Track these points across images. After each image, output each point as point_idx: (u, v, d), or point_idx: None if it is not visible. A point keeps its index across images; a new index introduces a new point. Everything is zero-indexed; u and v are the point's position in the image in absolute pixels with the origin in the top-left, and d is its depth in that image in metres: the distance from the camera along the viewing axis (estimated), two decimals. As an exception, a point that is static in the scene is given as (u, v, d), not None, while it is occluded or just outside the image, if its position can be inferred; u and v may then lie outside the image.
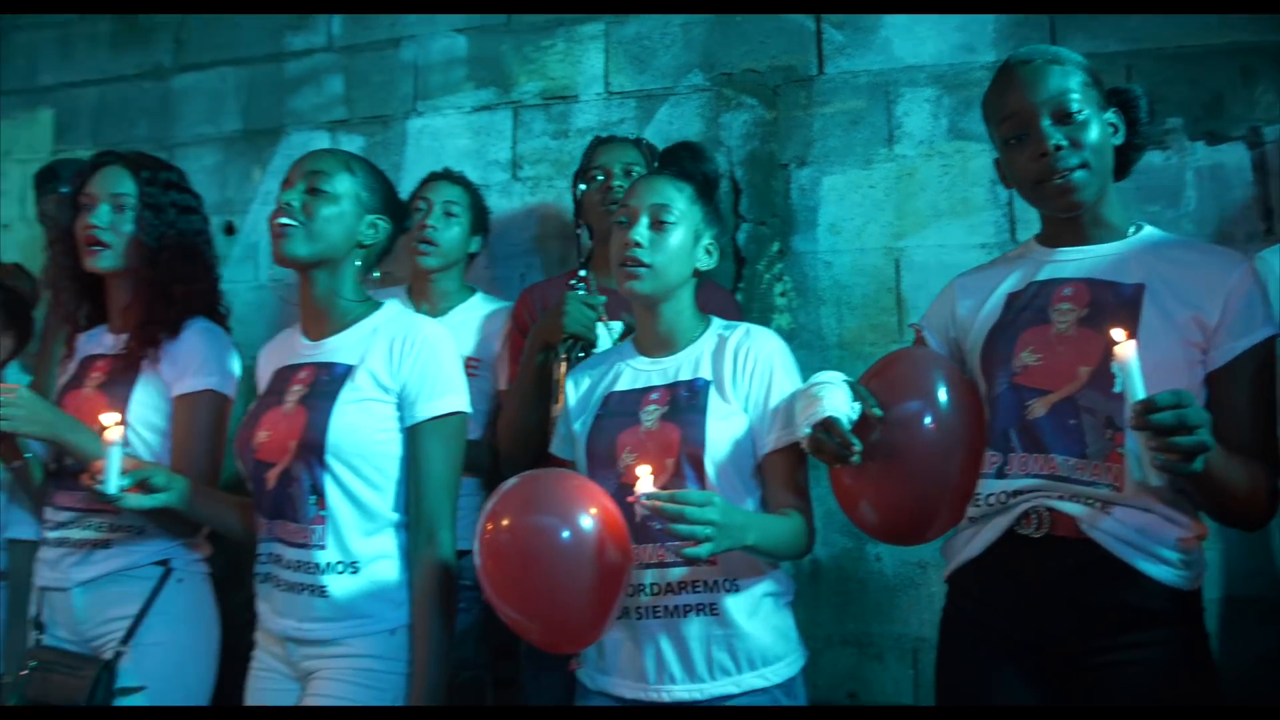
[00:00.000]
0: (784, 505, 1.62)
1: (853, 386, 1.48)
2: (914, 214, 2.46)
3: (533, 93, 2.79)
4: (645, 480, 1.40)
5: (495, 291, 2.59)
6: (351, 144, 2.90)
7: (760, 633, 1.60)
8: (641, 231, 1.64)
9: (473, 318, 2.39)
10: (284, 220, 1.65)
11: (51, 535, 1.85)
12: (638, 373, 1.71)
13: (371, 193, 1.73)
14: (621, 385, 1.71)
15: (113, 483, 1.57)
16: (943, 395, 1.51)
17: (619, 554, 1.47)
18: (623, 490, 1.52)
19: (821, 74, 2.55)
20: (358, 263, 1.73)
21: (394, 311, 1.75)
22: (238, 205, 2.98)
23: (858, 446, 1.40)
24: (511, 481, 1.52)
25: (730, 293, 2.42)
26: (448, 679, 1.61)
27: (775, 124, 2.57)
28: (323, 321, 1.73)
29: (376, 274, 1.80)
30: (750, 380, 1.64)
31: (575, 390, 1.77)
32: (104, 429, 1.58)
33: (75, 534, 1.83)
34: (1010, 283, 1.64)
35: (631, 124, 2.68)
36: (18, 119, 3.32)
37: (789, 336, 2.52)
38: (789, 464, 1.63)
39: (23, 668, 1.80)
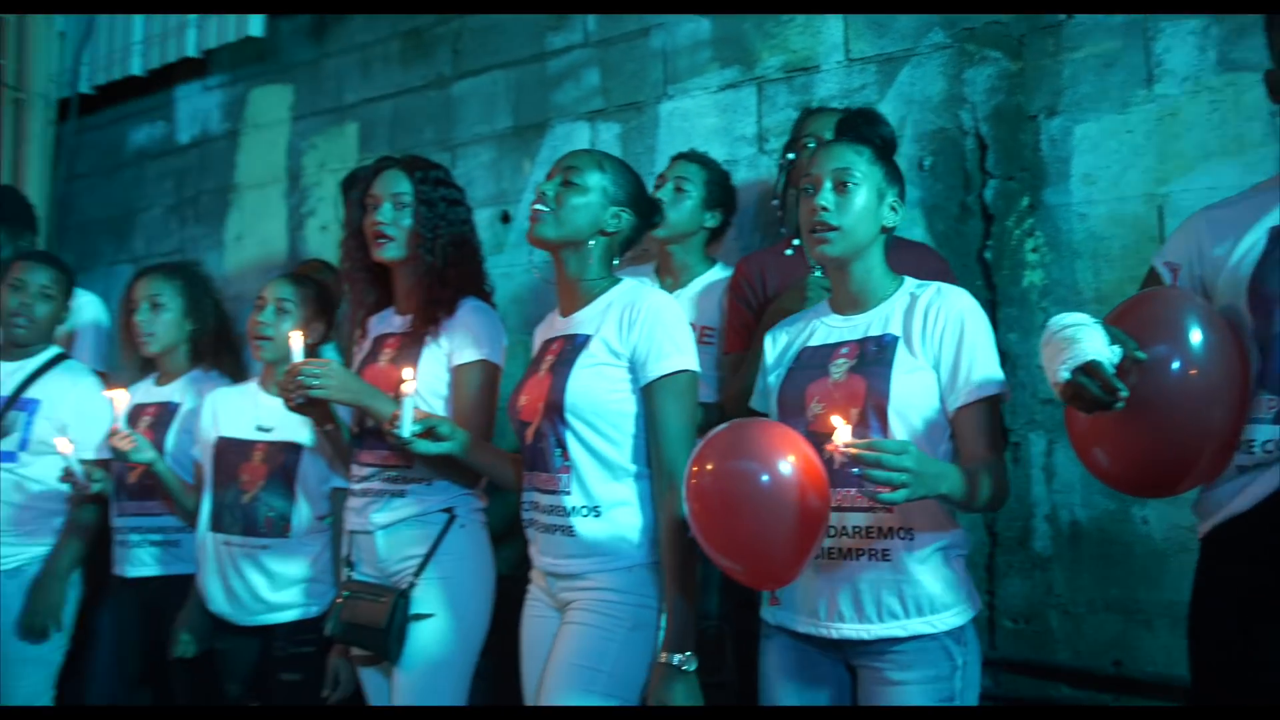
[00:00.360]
0: (977, 459, 1.63)
1: (1108, 328, 1.44)
2: (1178, 157, 2.31)
3: (775, 67, 2.86)
4: (843, 429, 1.45)
5: (744, 262, 2.70)
6: (609, 131, 3.11)
7: (930, 581, 1.63)
8: (826, 196, 1.69)
9: (712, 288, 2.52)
10: (538, 206, 1.88)
11: (357, 486, 2.16)
12: (830, 329, 1.78)
13: (618, 187, 1.91)
14: (815, 341, 1.78)
15: (407, 428, 1.85)
16: (1202, 336, 1.45)
17: (818, 498, 1.54)
18: (810, 439, 1.59)
19: (1070, 18, 2.45)
20: (602, 248, 1.91)
21: (628, 286, 1.92)
22: (511, 195, 3.28)
23: (1124, 392, 1.37)
24: (717, 429, 1.63)
25: (942, 257, 2.37)
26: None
27: (1021, 75, 2.49)
28: (573, 298, 1.93)
29: (615, 260, 1.97)
30: (940, 337, 1.66)
31: (773, 347, 1.87)
32: (400, 383, 1.86)
33: (376, 485, 2.12)
34: (1275, 216, 1.54)
35: (873, 89, 2.69)
36: (330, 134, 3.81)
37: (1043, 293, 2.46)
38: (982, 418, 1.64)
39: (337, 597, 2.13)
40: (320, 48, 3.88)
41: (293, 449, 2.46)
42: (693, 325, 2.08)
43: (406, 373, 1.89)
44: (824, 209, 1.69)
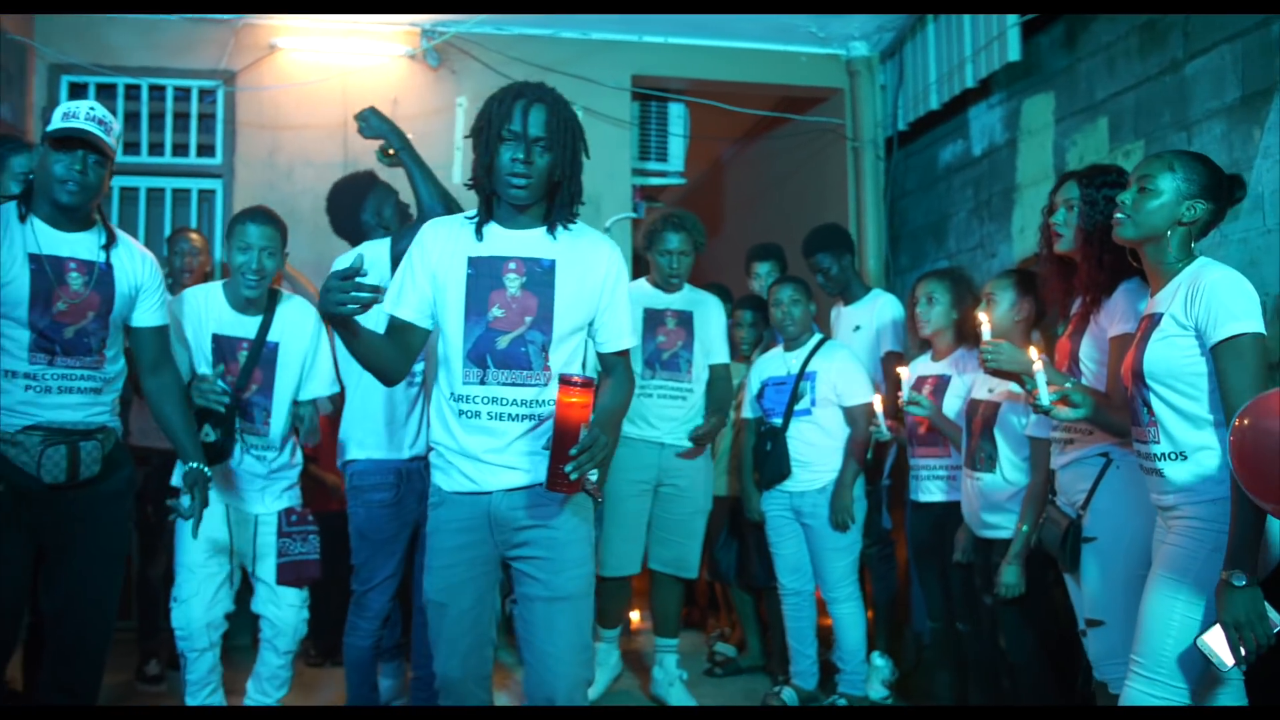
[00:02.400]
0: None
1: None
2: None
3: None
4: None
5: None
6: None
7: None
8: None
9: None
10: (1118, 215, 2.34)
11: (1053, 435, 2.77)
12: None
13: (1190, 183, 2.26)
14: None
15: (1044, 397, 2.42)
16: None
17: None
18: None
19: None
20: (1179, 237, 2.27)
21: (1196, 265, 2.25)
22: (1243, 163, 3.41)
23: None
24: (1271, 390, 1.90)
25: None
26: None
27: None
28: (1156, 280, 2.34)
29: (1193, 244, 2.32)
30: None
31: None
32: (1033, 359, 2.44)
33: (1059, 434, 2.71)
34: None
35: None
36: (1084, 130, 4.30)
37: None
38: None
39: (1039, 515, 2.79)
40: (1072, 54, 4.38)
41: (995, 406, 3.21)
42: None
43: (1032, 352, 2.46)
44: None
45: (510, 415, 2.31)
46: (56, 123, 2.64)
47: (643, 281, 4.11)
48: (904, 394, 3.45)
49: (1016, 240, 4.87)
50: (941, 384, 3.54)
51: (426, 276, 2.33)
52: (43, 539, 2.66)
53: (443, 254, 2.34)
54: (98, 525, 2.73)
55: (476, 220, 2.37)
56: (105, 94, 5.22)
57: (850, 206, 5.65)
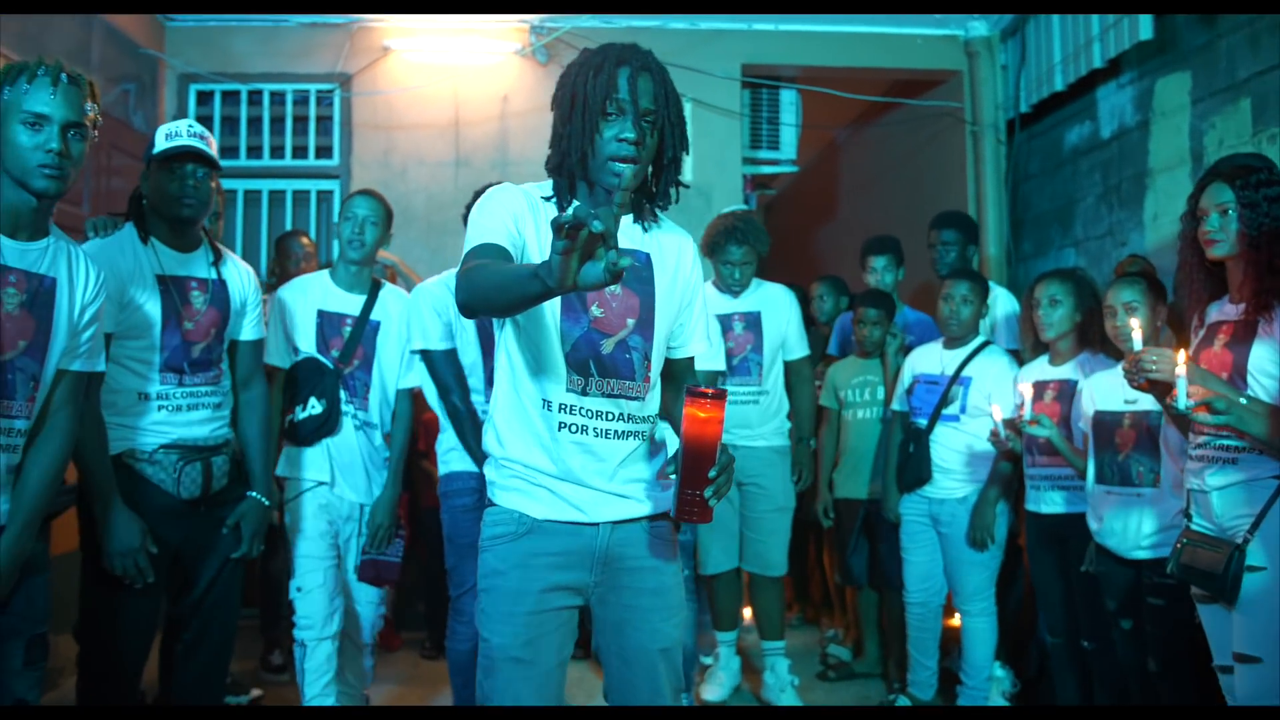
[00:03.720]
0: None
1: None
2: None
3: None
4: None
5: None
6: None
7: None
8: None
9: None
10: None
11: (1193, 451, 2.57)
12: None
13: None
14: None
15: (1182, 401, 2.26)
16: None
17: None
18: None
19: None
20: None
21: None
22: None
23: None
24: None
25: None
26: None
27: None
28: None
29: None
30: None
31: None
32: (1180, 364, 2.28)
33: (1209, 451, 2.50)
34: None
35: None
36: (1225, 113, 4.02)
37: None
38: None
39: (1177, 542, 2.58)
40: (1212, 30, 4.10)
41: (1153, 416, 2.98)
42: None
43: (1180, 355, 2.29)
44: None
45: (616, 433, 1.96)
46: (162, 144, 2.71)
47: (710, 284, 4.02)
48: (1026, 410, 3.27)
49: (1149, 228, 4.61)
50: (1066, 390, 3.36)
51: (515, 229, 1.90)
52: (178, 551, 2.74)
53: (533, 223, 1.94)
54: (224, 532, 2.84)
55: (555, 201, 1.99)
56: (230, 100, 5.43)
57: (970, 191, 5.45)
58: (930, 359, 3.87)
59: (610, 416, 1.95)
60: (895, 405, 3.98)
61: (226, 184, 5.37)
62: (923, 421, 3.78)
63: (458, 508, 3.25)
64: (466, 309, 1.74)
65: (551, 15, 5.25)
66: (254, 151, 5.44)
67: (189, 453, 2.73)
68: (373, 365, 3.33)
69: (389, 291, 3.43)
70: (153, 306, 2.68)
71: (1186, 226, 2.66)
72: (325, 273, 3.40)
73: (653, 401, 2.03)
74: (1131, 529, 3.01)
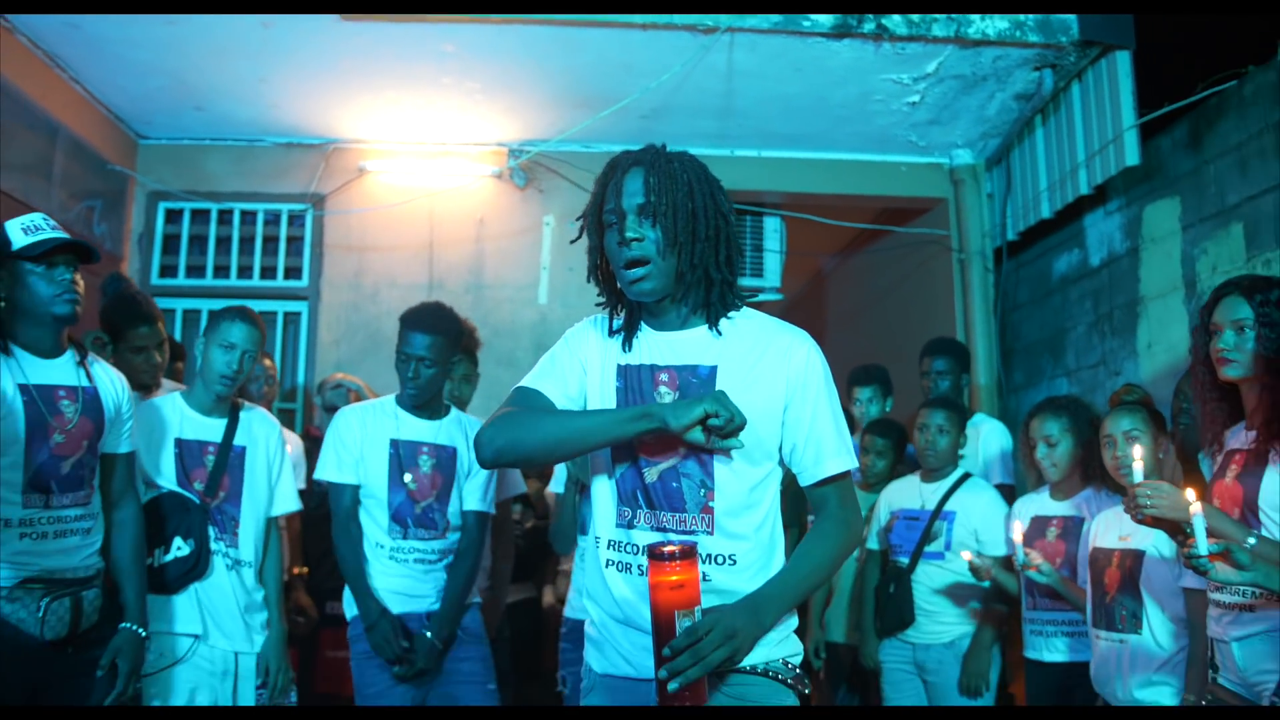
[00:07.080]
0: None
1: None
2: None
3: None
4: None
5: None
6: None
7: None
8: None
9: None
10: None
11: (1216, 597, 2.31)
12: None
13: None
14: None
15: (1202, 547, 1.99)
16: None
17: None
18: None
19: None
20: None
21: None
22: None
23: None
24: None
25: None
26: None
27: None
28: None
29: None
30: None
31: None
32: (1190, 502, 2.03)
33: (1227, 598, 2.25)
34: None
35: None
36: (1217, 237, 3.89)
37: None
38: None
39: (1200, 698, 2.30)
40: (1198, 156, 4.01)
41: (1137, 555, 2.72)
42: None
43: (1189, 494, 2.05)
44: None
45: None
46: (24, 240, 2.44)
47: None
48: (1018, 553, 3.00)
49: (1144, 356, 4.43)
50: (1071, 526, 3.09)
51: (578, 372, 1.85)
52: (36, 699, 2.37)
53: (595, 357, 1.86)
54: (99, 675, 2.47)
55: (619, 320, 1.87)
56: (199, 219, 5.31)
57: (958, 320, 5.28)
58: (909, 493, 3.59)
59: None
60: (870, 544, 3.68)
61: (191, 304, 5.23)
62: (904, 560, 3.47)
63: (360, 654, 2.93)
64: (493, 463, 1.75)
65: (530, 140, 5.18)
66: (221, 271, 5.29)
67: (55, 586, 2.41)
68: (241, 496, 2.98)
69: (251, 413, 3.10)
70: (14, 421, 2.38)
71: (1198, 342, 2.45)
72: (178, 395, 3.03)
73: (732, 539, 1.74)
74: (1118, 680, 2.73)
